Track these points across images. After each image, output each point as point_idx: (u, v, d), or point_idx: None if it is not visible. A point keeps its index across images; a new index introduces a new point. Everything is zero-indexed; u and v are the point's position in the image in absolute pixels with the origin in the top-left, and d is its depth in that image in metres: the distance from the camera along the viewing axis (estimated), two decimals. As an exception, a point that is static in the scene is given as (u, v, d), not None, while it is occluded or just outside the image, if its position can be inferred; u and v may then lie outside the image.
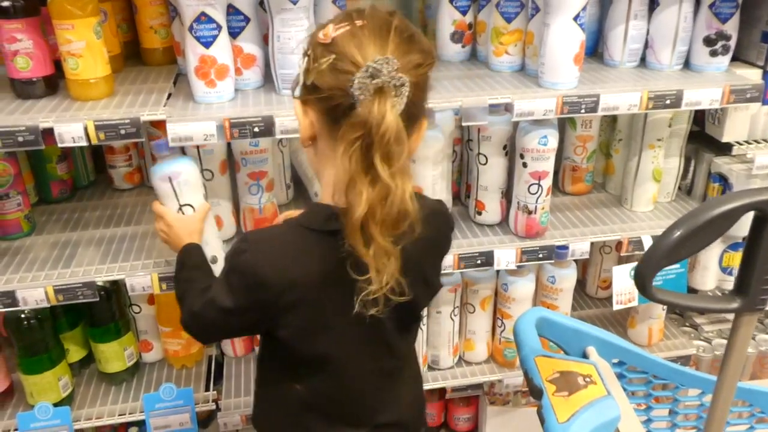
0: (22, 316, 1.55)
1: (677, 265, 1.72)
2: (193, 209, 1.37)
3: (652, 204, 1.81)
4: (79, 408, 1.71)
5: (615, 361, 1.33)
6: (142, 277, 1.49)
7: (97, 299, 1.49)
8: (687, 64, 1.67)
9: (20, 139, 1.31)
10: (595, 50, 1.78)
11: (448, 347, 1.83)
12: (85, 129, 1.32)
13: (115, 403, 1.73)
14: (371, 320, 0.96)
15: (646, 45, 1.66)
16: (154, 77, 1.62)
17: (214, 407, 1.74)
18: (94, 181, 1.99)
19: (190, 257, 1.28)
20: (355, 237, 0.90)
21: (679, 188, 1.91)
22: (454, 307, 1.79)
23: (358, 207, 0.88)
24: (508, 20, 1.60)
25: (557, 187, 1.95)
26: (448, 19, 1.71)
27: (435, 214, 1.12)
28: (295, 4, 1.40)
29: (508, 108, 1.48)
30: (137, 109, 1.39)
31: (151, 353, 1.85)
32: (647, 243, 1.68)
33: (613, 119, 1.87)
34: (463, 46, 1.74)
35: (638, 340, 1.94)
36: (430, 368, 1.87)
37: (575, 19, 1.44)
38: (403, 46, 0.90)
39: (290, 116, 1.37)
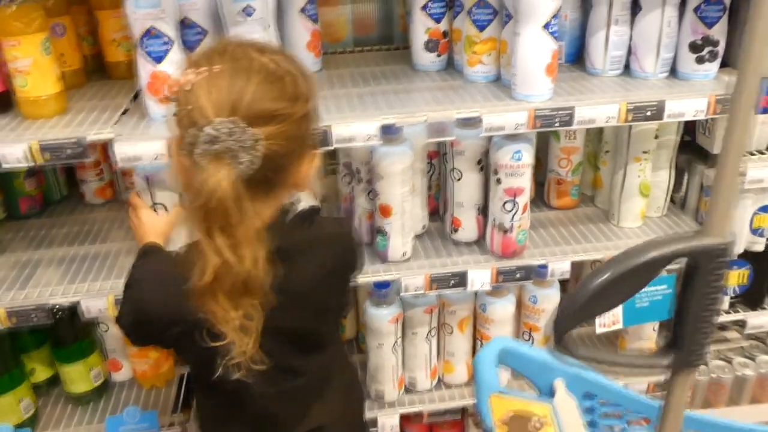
0: (-21, 338, 1.52)
1: (664, 286, 1.62)
2: (166, 209, 1.38)
3: (640, 220, 1.71)
4: (43, 429, 1.68)
5: (585, 392, 1.25)
6: (98, 300, 1.44)
7: (51, 322, 1.45)
8: (674, 72, 1.57)
9: (-38, 161, 1.27)
10: (579, 57, 1.69)
11: (425, 369, 1.75)
12: (30, 150, 1.27)
13: (80, 425, 1.69)
14: (261, 349, 0.93)
15: (630, 52, 1.56)
16: (115, 92, 1.57)
17: (179, 430, 1.69)
18: (67, 195, 1.94)
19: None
20: (203, 303, 0.87)
21: (673, 201, 1.81)
22: (431, 329, 1.71)
23: (202, 275, 0.85)
24: (481, 28, 1.51)
25: (543, 201, 1.85)
26: (421, 27, 1.63)
27: (331, 240, 1.10)
28: (249, 16, 1.34)
29: (478, 121, 1.40)
30: (86, 127, 1.34)
31: (120, 372, 1.81)
32: (632, 262, 1.58)
33: (600, 129, 1.78)
34: (438, 56, 1.66)
35: (629, 361, 1.84)
36: (407, 391, 1.79)
37: (546, 27, 1.35)
38: (265, 92, 0.86)
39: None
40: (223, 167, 0.82)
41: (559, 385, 1.22)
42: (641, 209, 1.70)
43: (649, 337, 1.81)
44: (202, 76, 0.86)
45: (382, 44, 1.97)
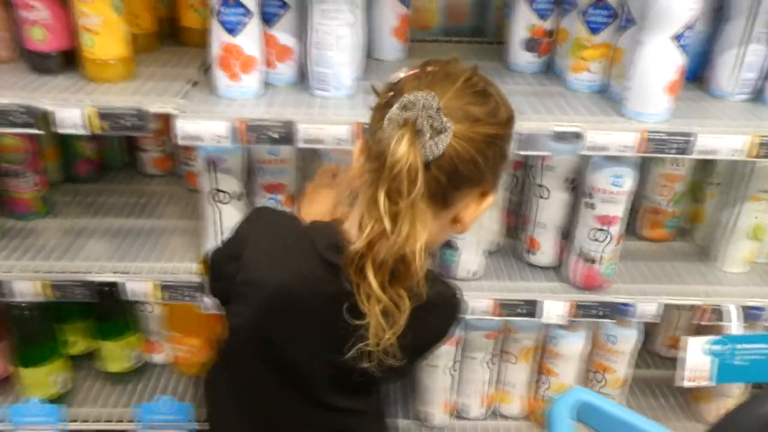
0: (21, 305, 1.44)
1: (765, 344, 1.42)
2: (228, 195, 1.32)
3: (746, 265, 1.51)
4: (79, 406, 1.61)
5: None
6: (141, 283, 1.35)
7: (96, 300, 1.37)
8: (819, 103, 1.36)
9: (18, 120, 1.18)
10: (697, 75, 1.48)
11: (479, 397, 1.61)
12: (87, 116, 1.17)
13: (114, 406, 1.62)
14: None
15: (766, 76, 1.36)
16: (187, 61, 1.47)
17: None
18: (128, 162, 1.86)
19: None
20: (349, 271, 0.84)
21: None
22: (492, 355, 1.55)
23: (359, 241, 0.83)
24: (595, 31, 1.33)
25: (631, 229, 1.66)
26: (523, 23, 1.46)
27: (449, 304, 1.00)
28: (336, -8, 1.20)
29: (578, 137, 1.23)
30: (151, 98, 1.24)
31: (160, 355, 1.73)
32: (732, 315, 1.39)
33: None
34: (537, 56, 1.49)
35: (708, 418, 1.65)
36: (458, 417, 1.65)
37: (676, 38, 1.16)
38: (465, 96, 0.84)
39: (316, 124, 1.19)
40: (408, 135, 0.80)
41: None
42: (749, 253, 1.49)
43: (734, 395, 1.61)
44: (414, 72, 0.87)
45: (473, 36, 1.80)
